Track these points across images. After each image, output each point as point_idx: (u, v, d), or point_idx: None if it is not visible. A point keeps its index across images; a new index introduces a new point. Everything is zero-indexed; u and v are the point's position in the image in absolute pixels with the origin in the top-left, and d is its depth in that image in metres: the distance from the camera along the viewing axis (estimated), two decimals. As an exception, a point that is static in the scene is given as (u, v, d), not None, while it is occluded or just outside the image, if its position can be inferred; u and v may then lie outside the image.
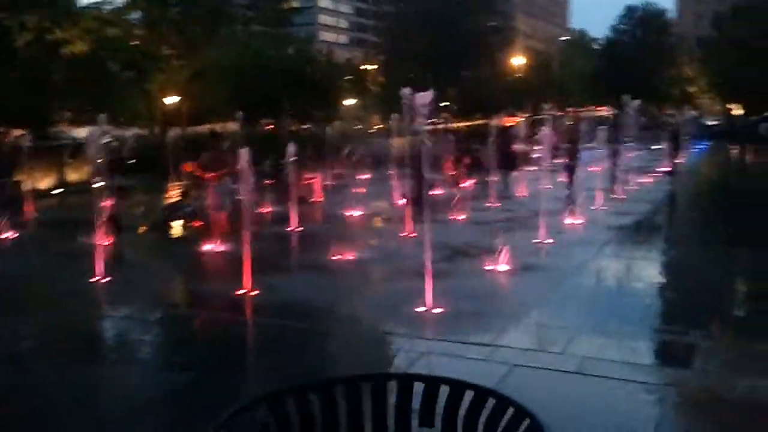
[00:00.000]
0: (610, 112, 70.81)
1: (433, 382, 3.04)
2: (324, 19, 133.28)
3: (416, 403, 3.21)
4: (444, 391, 2.97)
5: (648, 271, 12.28)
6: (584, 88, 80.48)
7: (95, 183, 13.13)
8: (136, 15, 42.70)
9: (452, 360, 7.52)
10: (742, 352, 7.75)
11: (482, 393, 2.94)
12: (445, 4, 63.69)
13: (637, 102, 27.61)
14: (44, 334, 8.99)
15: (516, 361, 7.33)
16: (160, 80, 38.30)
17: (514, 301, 9.85)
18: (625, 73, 69.84)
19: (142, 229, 17.52)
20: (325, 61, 50.45)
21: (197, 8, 41.02)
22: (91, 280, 11.33)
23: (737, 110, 64.13)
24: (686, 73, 78.59)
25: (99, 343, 9.16)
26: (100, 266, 11.52)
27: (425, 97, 9.86)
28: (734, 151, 42.30)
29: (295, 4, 62.01)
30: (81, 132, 31.16)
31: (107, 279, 11.41)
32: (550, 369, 7.12)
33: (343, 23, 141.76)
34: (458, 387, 3.03)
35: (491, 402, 2.92)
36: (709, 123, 58.11)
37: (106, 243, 14.09)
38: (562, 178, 19.54)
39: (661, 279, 11.71)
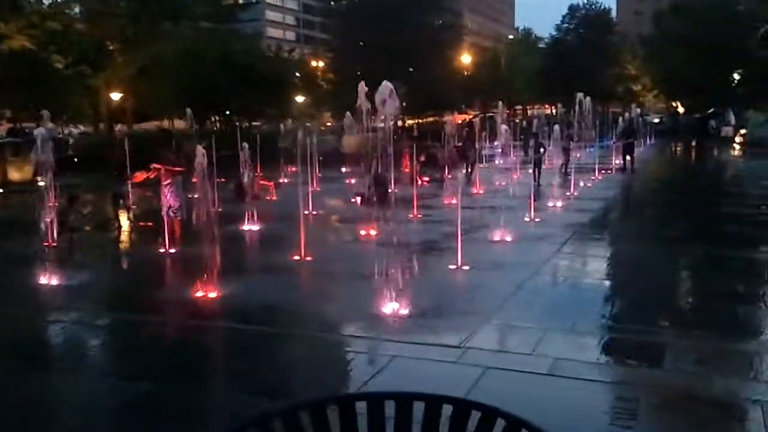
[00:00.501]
0: (556, 110, 71.85)
1: (434, 401, 2.81)
2: (271, 15, 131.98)
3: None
4: (447, 410, 2.76)
5: (612, 268, 12.35)
6: (531, 86, 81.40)
7: (38, 182, 12.64)
8: (77, 10, 41.62)
9: (423, 363, 7.34)
10: (715, 350, 7.76)
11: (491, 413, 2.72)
12: (394, 0, 63.67)
13: (588, 99, 27.99)
14: None
15: (488, 363, 7.20)
16: (105, 76, 37.32)
17: (480, 301, 9.70)
18: (570, 71, 70.94)
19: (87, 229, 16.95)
20: (274, 58, 49.93)
21: (140, 2, 40.04)
22: (39, 282, 10.85)
23: (680, 107, 65.66)
24: (629, 71, 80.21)
25: (48, 350, 8.70)
26: (48, 268, 11.07)
27: (385, 90, 9.64)
28: (680, 148, 43.21)
29: (240, 0, 61.11)
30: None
31: (56, 281, 10.96)
32: (523, 371, 7.00)
33: (290, 20, 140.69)
34: (463, 405, 2.80)
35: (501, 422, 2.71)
36: (654, 120, 59.27)
37: (54, 244, 13.61)
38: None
39: (625, 276, 11.71)
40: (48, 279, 11.03)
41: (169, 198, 13.79)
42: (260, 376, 7.27)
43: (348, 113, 22.95)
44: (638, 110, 62.14)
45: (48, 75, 32.07)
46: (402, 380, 6.88)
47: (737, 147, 40.54)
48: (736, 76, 56.72)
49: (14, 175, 26.53)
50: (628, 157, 26.91)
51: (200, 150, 10.80)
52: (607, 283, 11.37)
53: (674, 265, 12.33)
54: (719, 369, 7.18)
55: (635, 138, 28.35)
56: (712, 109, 52.85)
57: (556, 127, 23.07)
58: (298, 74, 55.22)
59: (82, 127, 44.40)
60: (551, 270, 11.55)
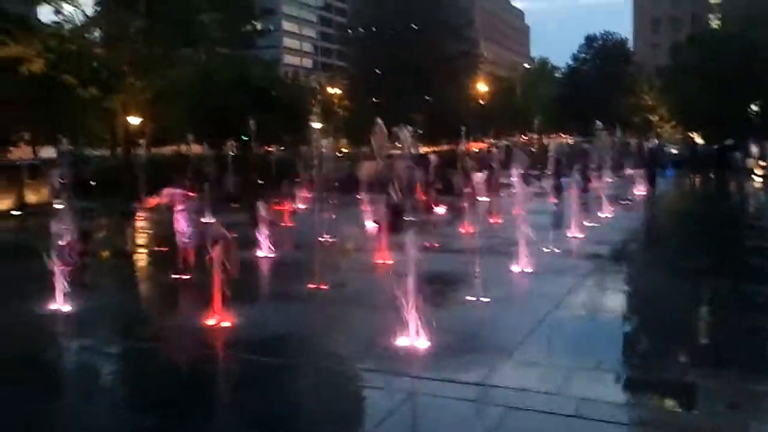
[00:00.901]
0: (572, 139, 71.68)
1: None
2: (288, 42, 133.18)
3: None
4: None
5: (636, 303, 11.90)
6: (547, 115, 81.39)
7: (56, 204, 12.53)
8: (96, 34, 41.96)
9: (442, 401, 7.04)
10: (747, 392, 7.40)
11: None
12: (411, 29, 63.98)
13: (602, 129, 27.82)
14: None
15: (510, 403, 6.89)
16: (122, 100, 37.47)
17: (499, 335, 9.40)
18: (587, 100, 70.89)
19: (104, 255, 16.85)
20: (292, 84, 50.15)
21: (157, 27, 40.29)
22: (51, 308, 10.66)
23: (698, 138, 65.21)
24: (646, 101, 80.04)
25: (57, 378, 8.48)
26: (61, 293, 10.87)
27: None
28: (700, 180, 42.68)
29: (259, 27, 61.60)
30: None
31: (68, 307, 10.76)
32: (547, 412, 6.68)
33: (308, 47, 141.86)
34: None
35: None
36: (671, 151, 58.84)
37: (68, 268, 13.46)
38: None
39: (650, 311, 11.27)
40: (57, 305, 10.82)
41: (181, 223, 13.60)
42: (272, 412, 7.01)
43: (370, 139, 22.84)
44: (656, 141, 61.94)
45: (66, 98, 32.21)
46: (420, 420, 6.60)
47: (758, 179, 40.02)
48: (754, 108, 56.27)
49: (31, 197, 26.55)
50: (650, 187, 26.59)
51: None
52: (632, 318, 11.01)
53: (701, 300, 11.95)
54: (753, 413, 6.84)
55: (658, 168, 27.96)
56: (730, 141, 52.35)
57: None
58: (314, 101, 55.38)
59: (95, 152, 44.58)
60: (573, 304, 11.19)
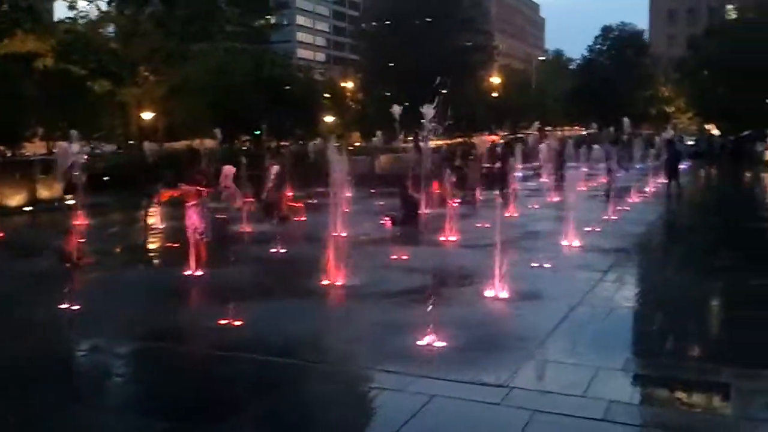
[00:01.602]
0: (588, 131, 71.02)
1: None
2: (301, 36, 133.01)
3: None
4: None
5: (660, 299, 11.33)
6: (564, 108, 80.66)
7: (67, 200, 12.33)
8: (111, 29, 41.87)
9: (464, 404, 6.71)
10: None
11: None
12: (425, 22, 63.50)
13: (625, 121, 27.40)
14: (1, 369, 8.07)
15: (535, 406, 6.56)
16: (136, 94, 37.38)
17: (521, 334, 9.05)
18: (603, 92, 70.20)
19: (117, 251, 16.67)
20: (305, 78, 49.90)
21: (171, 22, 40.12)
22: (60, 307, 10.43)
23: (714, 130, 64.49)
24: (663, 92, 79.22)
25: (63, 380, 8.22)
26: (71, 291, 10.65)
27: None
28: (719, 171, 42.04)
29: (272, 22, 61.39)
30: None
31: (77, 306, 10.52)
32: (575, 416, 6.36)
33: (321, 41, 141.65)
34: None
35: None
36: (688, 143, 58.14)
37: (80, 265, 13.31)
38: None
39: (676, 308, 10.77)
40: (63, 304, 10.59)
41: (194, 219, 13.33)
42: (285, 416, 6.73)
43: (379, 132, 22.58)
44: (672, 132, 61.31)
45: (78, 92, 32.17)
46: (442, 425, 6.31)
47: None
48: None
49: (43, 193, 26.41)
50: (673, 181, 25.98)
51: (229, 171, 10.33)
52: (656, 315, 10.48)
53: (729, 295, 11.54)
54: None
55: (679, 160, 27.21)
56: (747, 132, 51.62)
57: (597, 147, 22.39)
58: (327, 95, 55.06)
59: (109, 147, 44.56)
60: (596, 300, 10.78)
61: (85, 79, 33.30)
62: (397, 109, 13.76)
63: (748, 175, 39.14)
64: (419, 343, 8.39)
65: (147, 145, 33.90)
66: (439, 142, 61.13)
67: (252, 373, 8.03)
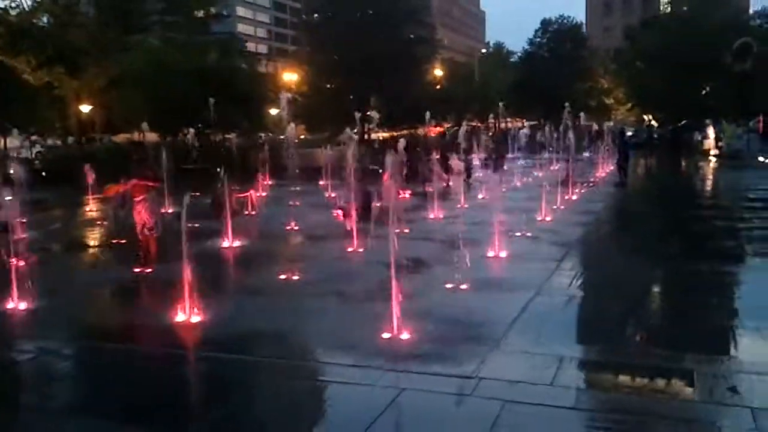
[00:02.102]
0: (528, 124, 72.02)
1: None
2: (242, 28, 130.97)
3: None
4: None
5: (617, 287, 11.40)
6: (505, 100, 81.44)
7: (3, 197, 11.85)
8: (45, 19, 40.56)
9: (434, 397, 6.64)
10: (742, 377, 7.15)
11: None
12: (368, 14, 63.21)
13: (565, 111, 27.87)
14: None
15: (506, 396, 6.53)
16: (74, 87, 36.26)
17: (484, 324, 8.99)
18: (544, 84, 71.21)
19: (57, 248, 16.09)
20: (250, 70, 49.15)
21: (107, 13, 39.19)
22: (6, 307, 10.00)
23: (652, 121, 65.99)
24: (602, 84, 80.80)
25: (10, 384, 7.86)
26: (15, 290, 10.21)
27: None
28: (660, 162, 42.97)
29: (213, 12, 60.24)
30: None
31: (22, 306, 10.11)
32: (546, 405, 6.35)
33: (262, 32, 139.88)
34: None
35: None
36: (627, 134, 59.39)
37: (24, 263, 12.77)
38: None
39: (632, 296, 10.80)
40: (10, 304, 10.16)
41: (143, 214, 12.95)
42: (250, 414, 6.55)
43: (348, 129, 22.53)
44: (610, 124, 62.59)
45: (16, 86, 31.02)
46: (415, 419, 6.23)
47: (714, 160, 40.53)
48: (707, 89, 57.02)
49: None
50: (623, 170, 26.64)
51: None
52: (615, 303, 10.51)
53: (684, 283, 11.73)
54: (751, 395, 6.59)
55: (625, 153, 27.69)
56: (683, 122, 52.98)
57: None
58: (271, 89, 54.34)
59: (48, 141, 43.15)
60: (554, 290, 10.81)
61: (21, 72, 32.16)
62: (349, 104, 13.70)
63: (687, 164, 40.16)
64: (383, 335, 8.30)
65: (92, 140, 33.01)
66: (385, 135, 61.18)
67: (210, 371, 7.82)
